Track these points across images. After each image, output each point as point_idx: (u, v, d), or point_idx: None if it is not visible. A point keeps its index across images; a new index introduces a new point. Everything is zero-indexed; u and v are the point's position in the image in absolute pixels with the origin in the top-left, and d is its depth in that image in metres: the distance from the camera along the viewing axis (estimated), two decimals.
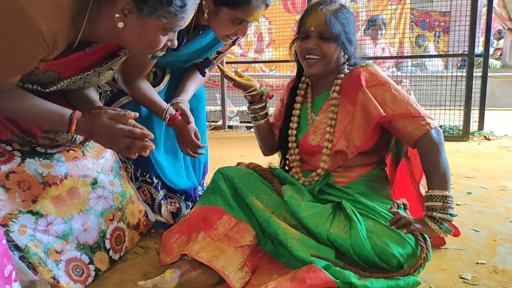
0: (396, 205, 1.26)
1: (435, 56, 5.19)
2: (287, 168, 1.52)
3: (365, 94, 1.30)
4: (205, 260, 1.15)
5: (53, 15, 0.90)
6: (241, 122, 4.76)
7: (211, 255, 1.17)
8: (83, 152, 1.26)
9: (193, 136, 1.46)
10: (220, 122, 4.65)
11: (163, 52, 1.31)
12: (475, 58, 3.56)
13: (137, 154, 1.11)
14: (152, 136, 1.11)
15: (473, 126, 3.66)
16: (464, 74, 3.56)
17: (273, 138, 1.55)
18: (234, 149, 3.31)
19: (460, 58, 5.37)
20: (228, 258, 1.17)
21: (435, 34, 8.63)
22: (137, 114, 1.11)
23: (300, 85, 1.47)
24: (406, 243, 1.14)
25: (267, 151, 1.59)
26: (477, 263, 1.29)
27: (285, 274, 1.14)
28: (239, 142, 3.71)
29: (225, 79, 4.81)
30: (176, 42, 1.08)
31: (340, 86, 1.36)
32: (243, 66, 6.16)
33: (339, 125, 1.34)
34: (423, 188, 1.36)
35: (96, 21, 0.98)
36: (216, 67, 1.51)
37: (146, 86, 1.42)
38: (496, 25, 7.36)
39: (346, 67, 1.38)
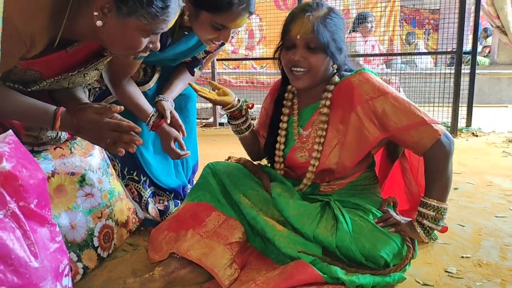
0: (386, 202, 1.27)
1: (424, 53, 5.24)
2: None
3: (359, 116, 1.21)
4: (194, 258, 1.15)
5: (30, 12, 0.88)
6: None
7: (200, 253, 1.17)
8: (70, 149, 1.25)
9: (172, 145, 1.42)
10: (211, 120, 4.65)
11: (147, 54, 1.30)
12: (463, 55, 3.61)
13: (123, 151, 1.09)
14: (140, 129, 1.09)
15: (461, 123, 3.70)
16: (453, 71, 3.61)
17: (259, 147, 1.50)
18: (225, 146, 3.31)
19: (449, 56, 5.44)
20: (217, 256, 1.18)
21: (425, 31, 8.70)
22: (122, 107, 1.08)
23: (286, 95, 1.39)
24: (392, 242, 1.16)
25: (254, 158, 1.53)
26: (462, 257, 1.31)
27: (274, 270, 1.15)
28: (230, 139, 3.71)
29: (215, 76, 4.81)
30: (158, 45, 1.05)
31: (330, 100, 1.28)
32: (234, 63, 6.15)
33: (328, 143, 1.27)
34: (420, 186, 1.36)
35: (76, 19, 0.96)
36: (190, 84, 1.48)
37: (131, 89, 1.40)
38: (485, 23, 7.44)
39: (337, 77, 1.29)
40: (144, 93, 1.49)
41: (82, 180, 1.25)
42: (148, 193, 1.55)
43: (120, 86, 1.37)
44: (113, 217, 1.35)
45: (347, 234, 1.16)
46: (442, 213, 1.18)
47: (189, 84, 1.36)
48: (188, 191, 1.68)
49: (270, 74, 5.53)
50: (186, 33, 1.38)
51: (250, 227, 1.31)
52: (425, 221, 1.19)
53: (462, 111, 3.66)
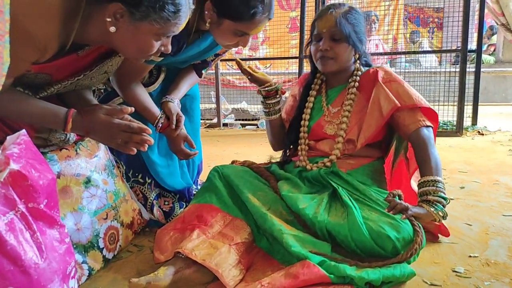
0: (391, 194, 1.29)
1: (428, 52, 5.22)
2: (288, 157, 1.57)
3: (381, 88, 1.41)
4: (199, 258, 1.15)
5: (43, 18, 0.89)
6: (236, 119, 4.76)
7: (205, 253, 1.17)
8: (76, 151, 1.26)
9: (182, 146, 1.46)
10: (215, 120, 4.65)
11: (159, 59, 1.31)
12: (468, 53, 3.59)
13: (135, 150, 1.10)
14: (150, 131, 1.11)
15: (467, 121, 3.69)
16: (458, 69, 3.59)
17: (284, 133, 1.61)
18: (229, 147, 3.32)
19: (454, 54, 5.41)
20: (222, 256, 1.17)
21: (429, 30, 8.66)
22: (133, 109, 1.11)
23: (315, 81, 1.56)
24: (401, 228, 1.16)
25: (277, 146, 1.64)
26: (470, 256, 1.30)
27: (279, 270, 1.15)
28: (234, 139, 3.71)
29: (219, 76, 4.81)
30: (170, 48, 1.07)
31: (358, 83, 1.47)
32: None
33: (353, 116, 1.45)
34: (414, 183, 1.40)
35: (88, 25, 0.98)
36: (236, 61, 1.51)
37: (140, 91, 1.41)
38: (490, 21, 7.40)
39: (362, 67, 1.49)
40: (149, 94, 1.49)
41: (88, 181, 1.25)
42: (153, 195, 1.55)
43: (128, 89, 1.38)
44: (118, 218, 1.35)
45: (358, 218, 1.19)
46: (439, 186, 1.27)
47: (236, 60, 1.43)
48: (193, 192, 1.68)
49: (274, 74, 5.52)
50: (200, 36, 1.39)
51: (257, 228, 1.31)
52: (429, 197, 1.27)
53: (468, 109, 3.64)
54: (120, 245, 1.35)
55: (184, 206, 1.62)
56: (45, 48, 0.93)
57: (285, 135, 1.60)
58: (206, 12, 1.26)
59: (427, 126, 1.38)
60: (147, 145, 1.10)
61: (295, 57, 4.25)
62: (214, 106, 4.76)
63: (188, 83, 1.58)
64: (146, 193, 1.55)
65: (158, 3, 0.94)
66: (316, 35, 1.43)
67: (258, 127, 4.27)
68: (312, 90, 1.55)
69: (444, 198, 1.26)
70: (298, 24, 4.39)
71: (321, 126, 1.49)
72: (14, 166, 0.66)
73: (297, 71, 4.11)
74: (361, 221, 1.18)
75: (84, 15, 0.96)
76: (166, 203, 1.60)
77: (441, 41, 7.71)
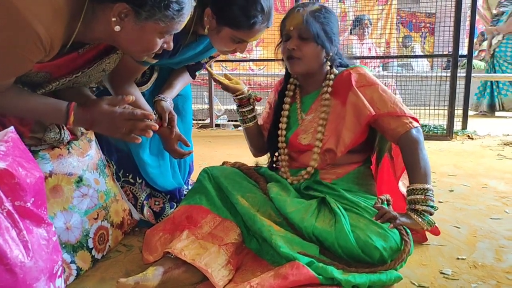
0: (380, 200, 1.29)
1: (420, 56, 5.27)
2: (274, 166, 1.54)
3: (356, 94, 1.34)
4: (188, 258, 1.15)
5: (50, 18, 0.90)
6: (228, 120, 4.76)
7: (194, 253, 1.17)
8: (68, 149, 1.25)
9: (176, 146, 1.45)
10: (207, 121, 4.65)
11: (154, 60, 1.31)
12: (459, 58, 3.63)
13: (140, 139, 1.11)
14: (154, 116, 1.11)
15: (457, 126, 3.72)
16: (449, 74, 3.63)
17: (263, 140, 1.57)
18: (221, 148, 3.31)
19: (445, 59, 5.47)
20: (212, 256, 1.17)
21: (421, 35, 8.74)
22: (134, 97, 1.12)
23: (288, 86, 1.49)
24: (389, 237, 1.16)
25: (257, 153, 1.61)
26: (458, 258, 1.31)
27: (268, 271, 1.15)
28: (226, 140, 3.71)
29: (218, 76, 4.81)
30: (172, 45, 1.08)
31: (331, 87, 1.39)
32: (232, 64, 6.16)
33: (329, 124, 1.38)
34: (402, 185, 1.40)
35: (91, 24, 0.98)
36: (206, 69, 1.51)
37: (132, 91, 1.40)
38: (481, 27, 7.48)
39: (335, 68, 1.41)
40: (142, 93, 1.49)
41: (79, 181, 1.24)
42: (144, 195, 1.55)
43: (120, 88, 1.37)
44: (108, 218, 1.34)
45: (345, 226, 1.18)
46: (429, 194, 1.24)
47: (206, 67, 1.41)
48: (184, 193, 1.68)
49: (267, 76, 5.54)
50: (197, 39, 1.39)
51: (246, 229, 1.31)
52: (417, 206, 1.24)
53: (458, 114, 3.68)
54: (109, 245, 1.34)
55: (175, 206, 1.61)
56: (51, 48, 0.93)
57: (263, 142, 1.57)
58: (206, 18, 1.27)
59: (416, 127, 1.33)
60: (151, 132, 1.10)
61: None
62: (207, 106, 4.76)
63: (181, 83, 1.58)
64: (137, 193, 1.54)
65: (163, 2, 0.95)
66: (285, 34, 1.38)
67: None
68: (287, 97, 1.48)
69: (433, 207, 1.24)
70: None
71: (297, 136, 1.43)
72: (0, 164, 0.65)
73: None
74: (348, 230, 1.17)
75: (86, 15, 0.96)
76: (157, 203, 1.59)
77: (433, 46, 7.79)
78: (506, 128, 4.02)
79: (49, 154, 1.20)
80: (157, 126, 1.12)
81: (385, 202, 1.30)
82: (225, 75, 1.50)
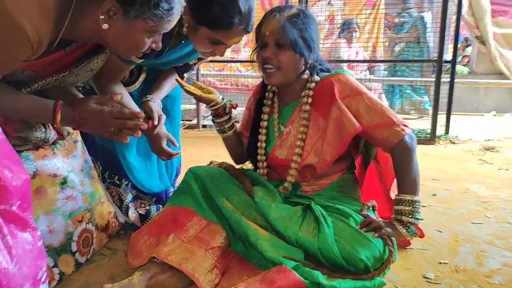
0: (366, 207, 1.29)
1: (405, 61, 5.34)
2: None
3: (340, 109, 1.27)
4: (175, 263, 1.14)
5: (38, 16, 0.88)
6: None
7: (180, 257, 1.16)
8: (53, 150, 1.23)
9: (164, 146, 1.43)
10: (194, 121, 4.62)
11: (140, 60, 1.29)
12: (444, 64, 3.69)
13: (128, 138, 1.09)
14: (143, 115, 1.10)
15: (440, 130, 3.79)
16: (433, 79, 3.69)
17: (243, 148, 1.52)
18: (208, 149, 3.30)
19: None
20: (198, 261, 1.17)
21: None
22: (122, 95, 1.10)
23: (266, 94, 1.43)
24: (373, 247, 1.17)
25: (238, 161, 1.55)
26: (440, 262, 1.34)
27: (255, 275, 1.15)
28: (213, 141, 3.69)
29: (200, 78, 4.78)
30: (160, 44, 1.07)
31: (311, 98, 1.32)
32: (219, 65, 6.13)
33: (309, 139, 1.32)
34: (392, 192, 1.39)
35: (79, 22, 0.97)
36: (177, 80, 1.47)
37: (119, 90, 1.38)
38: (465, 33, 7.63)
39: (315, 76, 1.33)
40: (130, 94, 1.48)
41: (64, 182, 1.22)
42: (129, 198, 1.53)
43: (107, 87, 1.35)
44: (93, 221, 1.32)
45: (328, 236, 1.17)
46: (416, 206, 1.24)
47: (176, 79, 1.37)
48: (171, 194, 1.67)
49: (255, 77, 5.52)
50: (183, 41, 1.37)
51: (232, 232, 1.31)
52: (403, 218, 1.24)
53: (441, 118, 3.74)
54: (93, 249, 1.33)
55: (161, 209, 1.60)
56: (39, 46, 0.91)
57: (243, 150, 1.51)
58: (184, 16, 1.25)
59: (408, 134, 1.27)
60: (140, 132, 1.09)
61: None
62: (194, 107, 4.73)
63: (169, 84, 1.57)
64: (122, 195, 1.52)
65: (153, 1, 0.94)
66: (260, 40, 1.29)
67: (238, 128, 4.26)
68: (265, 106, 1.42)
69: (418, 219, 1.23)
70: None
71: (274, 150, 1.38)
72: None
73: None
74: (332, 240, 1.16)
75: (74, 12, 0.95)
76: (143, 205, 1.58)
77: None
78: (487, 132, 4.11)
79: (33, 154, 1.18)
80: (146, 126, 1.11)
81: (371, 209, 1.31)
82: (195, 84, 1.42)
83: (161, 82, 1.54)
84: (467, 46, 7.27)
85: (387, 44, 5.61)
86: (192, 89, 1.37)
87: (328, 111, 1.30)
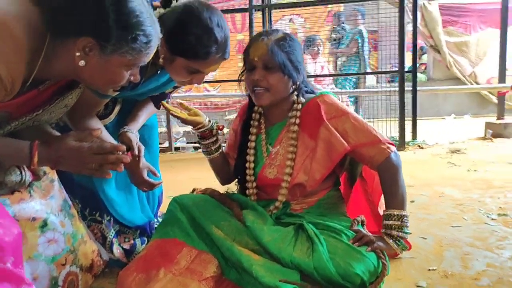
0: (356, 222, 1.31)
1: (370, 73, 5.57)
2: (242, 193, 1.51)
3: (328, 130, 1.31)
4: None
5: (11, 56, 0.85)
6: (187, 142, 4.70)
7: None
8: (29, 192, 1.17)
9: (146, 177, 1.40)
10: (166, 144, 4.55)
11: (115, 93, 1.27)
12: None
13: (111, 174, 1.05)
14: (124, 147, 1.06)
15: (407, 136, 3.93)
16: (395, 88, 3.85)
17: (229, 169, 1.52)
18: (183, 172, 3.25)
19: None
20: None
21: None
22: (101, 130, 1.07)
23: (253, 115, 1.46)
24: (367, 261, 1.18)
25: (224, 181, 1.55)
26: (429, 269, 1.37)
27: None
28: (188, 164, 3.66)
29: (169, 99, 4.74)
30: (138, 77, 1.05)
31: (299, 118, 1.36)
32: (187, 86, 6.11)
33: (298, 158, 1.34)
34: (380, 208, 1.42)
35: (52, 60, 0.94)
36: (162, 104, 1.45)
37: (94, 124, 1.33)
38: (420, 42, 8.05)
39: (301, 97, 1.37)
40: (105, 126, 1.44)
41: (44, 225, 1.16)
42: (112, 233, 1.48)
43: (81, 123, 1.31)
44: (77, 263, 1.26)
45: (323, 255, 1.18)
46: (405, 220, 1.28)
47: (161, 103, 1.35)
48: (155, 226, 1.62)
49: (223, 97, 5.55)
50: (159, 71, 1.35)
51: (224, 259, 1.28)
52: (393, 232, 1.27)
53: (407, 125, 3.89)
54: None
55: (146, 241, 1.55)
56: (13, 87, 0.88)
57: (230, 171, 1.52)
58: (160, 48, 1.24)
59: (393, 151, 1.32)
60: (123, 166, 1.04)
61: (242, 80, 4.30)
62: (164, 129, 4.67)
63: (145, 114, 1.54)
64: (105, 231, 1.47)
65: (131, 35, 0.92)
66: (249, 64, 1.32)
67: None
68: (252, 127, 1.44)
69: (407, 233, 1.27)
70: None
71: (263, 170, 1.40)
72: None
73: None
74: (327, 258, 1.17)
75: (47, 51, 0.92)
76: (127, 239, 1.52)
77: (377, 61, 8.24)
78: (451, 135, 4.30)
79: (9, 199, 1.12)
80: (129, 158, 1.08)
81: (360, 224, 1.33)
82: (181, 105, 1.43)
83: (137, 113, 1.52)
84: (423, 54, 7.65)
85: (331, 58, 5.83)
86: (178, 112, 1.37)
87: (316, 132, 1.33)
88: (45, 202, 1.22)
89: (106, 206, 1.47)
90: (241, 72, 1.39)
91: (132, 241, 1.52)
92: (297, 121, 1.36)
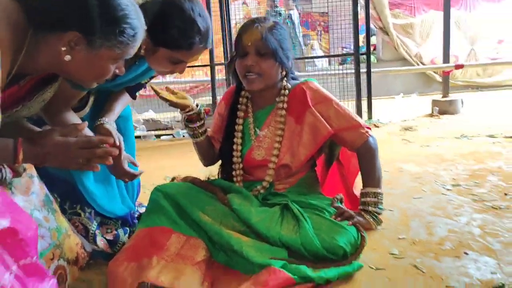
0: (336, 199, 1.41)
1: (326, 56, 5.75)
2: (227, 177, 1.56)
3: (314, 114, 1.41)
4: (167, 283, 1.14)
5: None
6: (147, 130, 4.60)
7: (171, 277, 1.16)
8: (10, 190, 1.13)
9: (126, 167, 1.40)
10: None
11: (95, 85, 1.24)
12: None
13: (99, 167, 1.04)
14: (112, 140, 1.05)
15: (364, 116, 4.13)
16: (349, 70, 4.02)
17: (213, 151, 1.57)
18: (151, 161, 3.20)
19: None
20: (188, 277, 1.18)
21: (317, 33, 9.42)
22: (86, 123, 1.06)
23: (240, 99, 1.51)
24: (349, 234, 1.29)
25: (207, 163, 1.61)
26: (399, 238, 1.50)
27: (246, 281, 1.19)
28: (153, 152, 3.60)
29: (164, 93, 4.57)
30: (123, 69, 1.05)
31: (286, 103, 1.43)
32: None
33: (285, 141, 1.43)
34: (355, 189, 1.55)
35: (34, 55, 0.91)
36: (151, 87, 1.46)
37: (70, 118, 1.31)
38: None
39: (286, 83, 1.45)
40: (81, 119, 1.40)
41: None
42: (95, 225, 1.46)
43: (57, 116, 1.27)
44: (64, 256, 1.25)
45: (309, 231, 1.26)
46: (380, 198, 1.42)
47: (151, 86, 1.35)
48: (136, 215, 1.62)
49: (183, 82, 5.47)
50: (137, 62, 1.34)
51: (212, 243, 1.33)
52: (370, 208, 1.40)
53: (363, 105, 4.08)
54: (68, 285, 1.25)
55: (128, 231, 1.55)
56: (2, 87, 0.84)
57: (214, 153, 1.57)
58: (146, 27, 1.23)
59: (371, 136, 1.46)
60: (111, 159, 1.04)
61: (206, 65, 4.27)
62: None
63: (121, 105, 1.52)
64: (87, 224, 1.45)
65: (118, 28, 0.92)
66: (241, 49, 1.37)
67: (174, 136, 4.20)
68: (239, 110, 1.51)
69: (381, 209, 1.40)
70: None
71: (251, 152, 1.47)
72: (3, 222, 0.60)
73: (209, 78, 4.16)
74: (312, 234, 1.26)
75: (29, 47, 0.89)
76: (109, 230, 1.52)
77: (328, 43, 8.46)
78: (402, 114, 4.57)
79: None
80: (117, 151, 1.08)
81: (339, 201, 1.43)
82: (168, 89, 1.45)
83: (112, 104, 1.49)
84: (371, 36, 7.96)
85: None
86: (166, 95, 1.39)
87: (302, 116, 1.42)
88: (27, 198, 1.18)
89: (86, 199, 1.45)
90: (231, 58, 1.43)
91: (115, 232, 1.52)
92: (285, 105, 1.44)
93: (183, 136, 4.20)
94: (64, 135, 1.02)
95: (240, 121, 1.50)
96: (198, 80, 5.10)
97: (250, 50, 1.35)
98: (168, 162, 3.05)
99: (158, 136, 4.26)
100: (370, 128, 1.48)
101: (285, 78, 1.46)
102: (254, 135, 1.48)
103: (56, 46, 0.90)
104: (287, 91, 1.46)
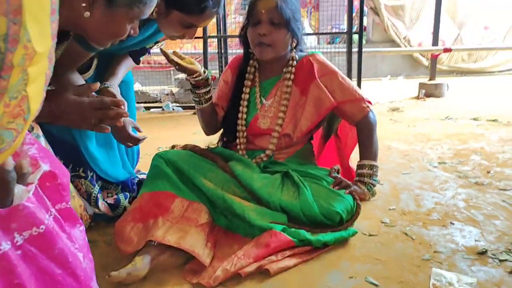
0: (333, 170, 1.47)
1: (320, 34, 5.75)
2: (228, 146, 1.60)
3: (319, 87, 1.45)
4: (173, 242, 1.18)
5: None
6: (136, 102, 4.56)
7: (177, 237, 1.21)
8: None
9: (131, 131, 1.41)
10: None
11: (103, 47, 1.24)
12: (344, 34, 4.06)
13: (109, 128, 1.07)
14: (124, 102, 1.08)
15: None
16: (342, 49, 4.05)
17: (216, 119, 1.59)
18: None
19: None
20: (193, 237, 1.23)
21: (307, 10, 9.35)
22: (98, 83, 1.07)
23: (248, 69, 1.52)
24: (345, 201, 1.35)
25: (209, 131, 1.62)
26: (390, 209, 1.58)
27: (248, 243, 1.25)
28: (143, 124, 3.55)
29: (174, 57, 4.45)
30: (137, 30, 1.06)
31: (293, 74, 1.46)
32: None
33: (289, 111, 1.46)
34: (350, 162, 1.62)
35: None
36: (161, 51, 1.46)
37: (76, 79, 1.30)
38: (356, 3, 8.34)
39: (295, 54, 1.47)
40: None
41: None
42: (97, 189, 1.49)
43: (65, 78, 1.27)
44: None
45: (308, 197, 1.32)
46: (375, 170, 1.48)
47: (160, 49, 1.35)
48: (136, 181, 1.65)
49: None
50: (144, 25, 1.33)
51: (213, 208, 1.38)
52: (365, 179, 1.47)
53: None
54: None
55: (129, 196, 1.58)
56: None
57: (217, 121, 1.59)
58: None
59: (371, 110, 1.51)
60: (122, 120, 1.07)
61: (199, 37, 4.22)
62: None
63: (124, 70, 1.53)
64: (89, 187, 1.47)
65: None
66: (255, 17, 1.37)
67: (163, 109, 4.18)
68: (247, 80, 1.52)
69: (376, 181, 1.47)
70: None
71: (256, 120, 1.50)
72: (44, 166, 0.62)
73: (198, 51, 4.11)
74: (311, 200, 1.32)
75: None
76: (110, 195, 1.55)
77: (318, 21, 8.42)
78: (389, 95, 4.66)
79: None
80: (128, 113, 1.10)
81: (336, 172, 1.50)
82: (175, 53, 1.44)
83: (115, 67, 1.50)
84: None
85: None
86: (176, 58, 1.38)
87: (307, 88, 1.44)
88: None
89: (89, 162, 1.47)
90: (243, 27, 1.43)
91: (115, 196, 1.55)
92: (292, 76, 1.46)
93: (173, 109, 4.19)
94: (78, 95, 1.03)
95: (247, 90, 1.52)
96: (189, 52, 5.03)
97: (264, 18, 1.35)
98: (160, 134, 3.06)
99: (147, 108, 4.23)
100: (371, 103, 1.52)
101: (294, 50, 1.49)
102: (260, 104, 1.51)
103: (76, 1, 0.91)
104: (295, 62, 1.48)
